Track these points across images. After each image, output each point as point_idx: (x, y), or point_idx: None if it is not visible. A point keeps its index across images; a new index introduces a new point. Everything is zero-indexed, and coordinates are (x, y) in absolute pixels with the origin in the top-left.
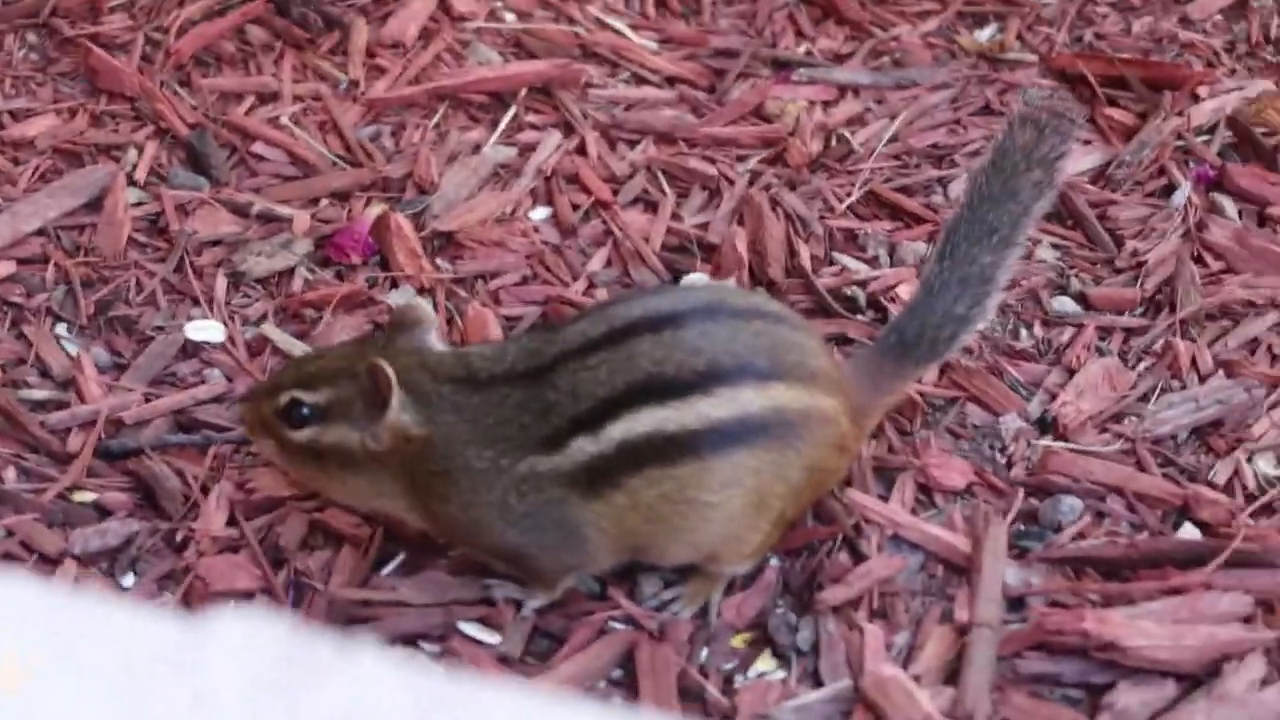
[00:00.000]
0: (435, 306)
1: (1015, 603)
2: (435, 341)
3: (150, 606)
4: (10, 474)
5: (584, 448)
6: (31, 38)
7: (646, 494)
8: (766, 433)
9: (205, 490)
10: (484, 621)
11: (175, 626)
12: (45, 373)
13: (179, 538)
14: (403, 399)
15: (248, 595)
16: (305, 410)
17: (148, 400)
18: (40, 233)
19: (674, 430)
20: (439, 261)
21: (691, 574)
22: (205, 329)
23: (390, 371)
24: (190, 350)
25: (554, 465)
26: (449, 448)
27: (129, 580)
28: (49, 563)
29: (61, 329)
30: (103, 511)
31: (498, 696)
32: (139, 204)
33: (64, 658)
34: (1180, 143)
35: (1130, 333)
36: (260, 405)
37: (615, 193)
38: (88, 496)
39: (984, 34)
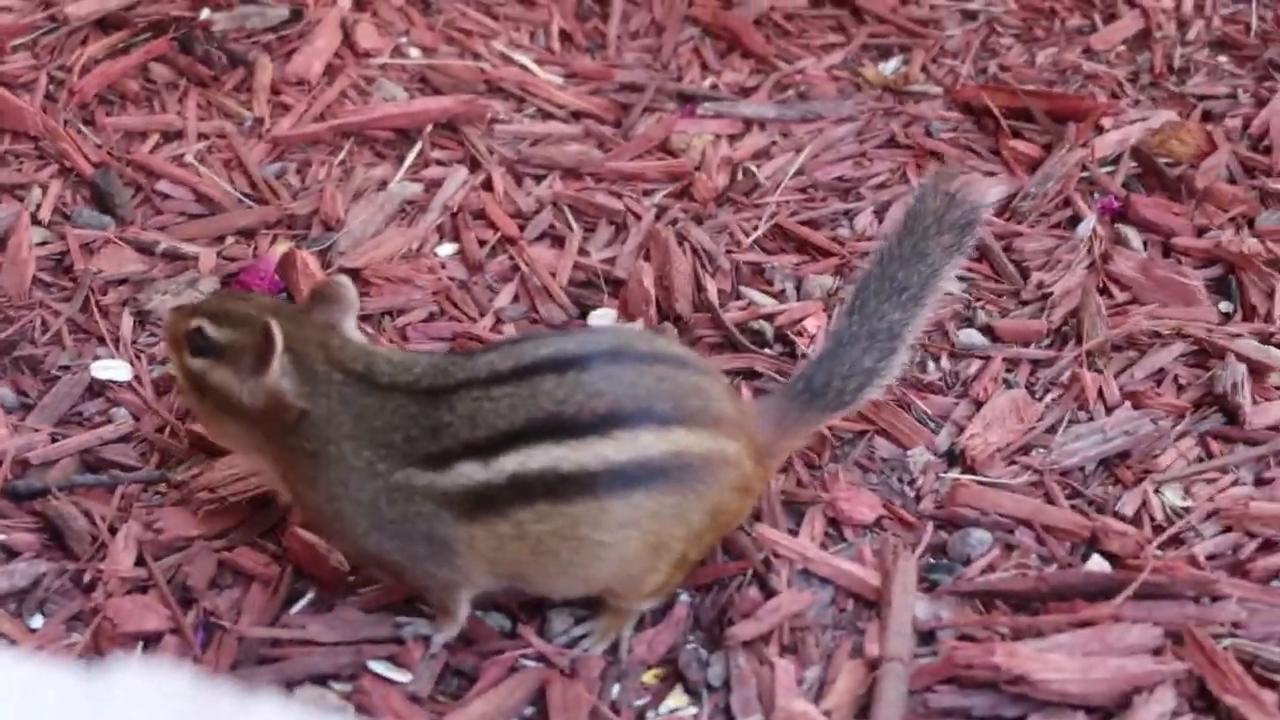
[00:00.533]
0: None
1: (926, 636)
2: (351, 325)
3: (52, 655)
4: None
5: (471, 473)
6: None
7: (535, 527)
8: (666, 476)
9: (113, 530)
10: (394, 660)
11: (77, 677)
12: None
13: (87, 578)
14: (287, 367)
15: (156, 636)
16: (204, 341)
17: (54, 440)
18: None
19: (569, 469)
20: None
21: (601, 610)
22: (111, 368)
23: (279, 335)
24: (96, 389)
25: (431, 482)
26: (325, 432)
27: (37, 621)
28: None
29: None
30: (10, 552)
31: None
32: (43, 243)
33: None
34: (1085, 174)
35: (1037, 364)
36: (179, 322)
37: (522, 228)
38: None
39: (888, 67)
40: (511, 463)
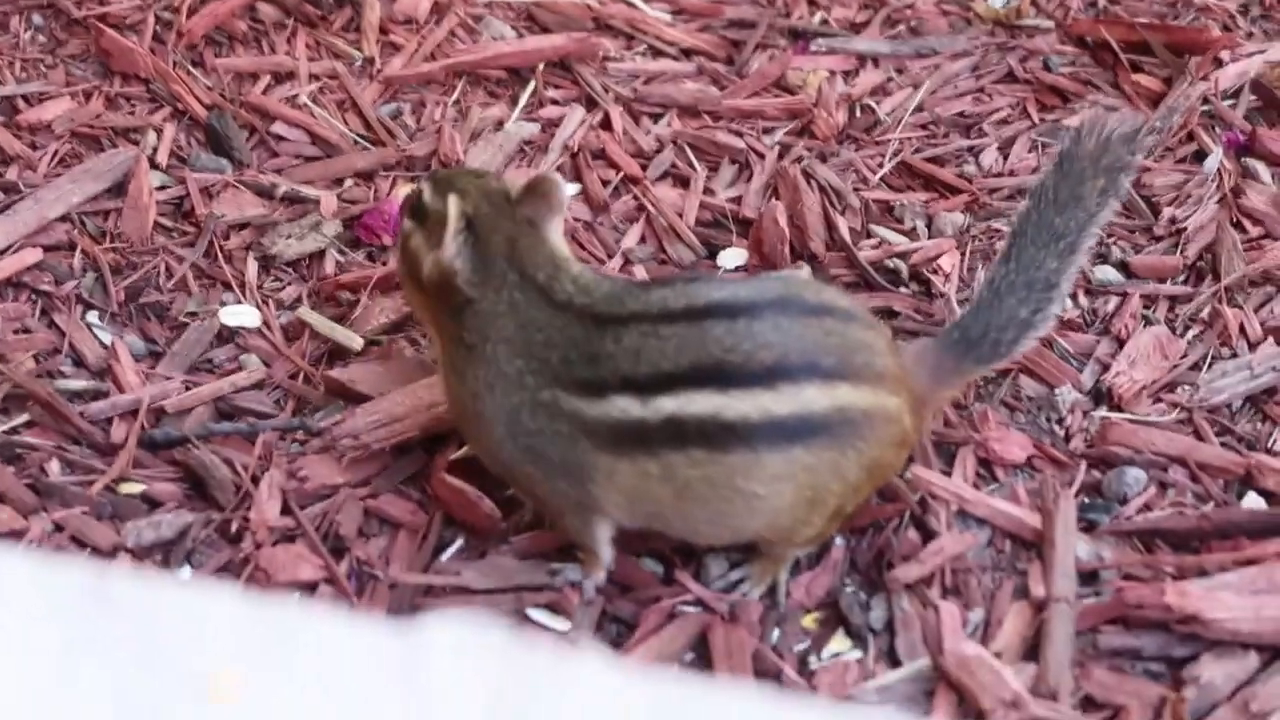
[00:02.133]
0: None
1: (1087, 577)
2: (555, 227)
3: (359, 618)
4: (54, 467)
5: (626, 407)
6: (37, 19)
7: (686, 471)
8: (828, 431)
9: (255, 480)
10: (552, 608)
11: (389, 634)
12: (80, 362)
13: (234, 529)
14: (466, 251)
15: (311, 585)
16: (418, 204)
17: (187, 388)
18: (64, 219)
19: (730, 418)
20: None
21: (756, 554)
22: (240, 314)
23: (456, 212)
24: (225, 336)
25: (579, 409)
26: (485, 329)
27: (186, 573)
28: (102, 556)
29: (93, 316)
30: (152, 503)
31: (728, 700)
32: (162, 188)
33: (282, 668)
34: (1206, 107)
35: (1175, 300)
36: (418, 186)
37: (644, 168)
38: (135, 488)
39: (998, 1)
40: (670, 404)
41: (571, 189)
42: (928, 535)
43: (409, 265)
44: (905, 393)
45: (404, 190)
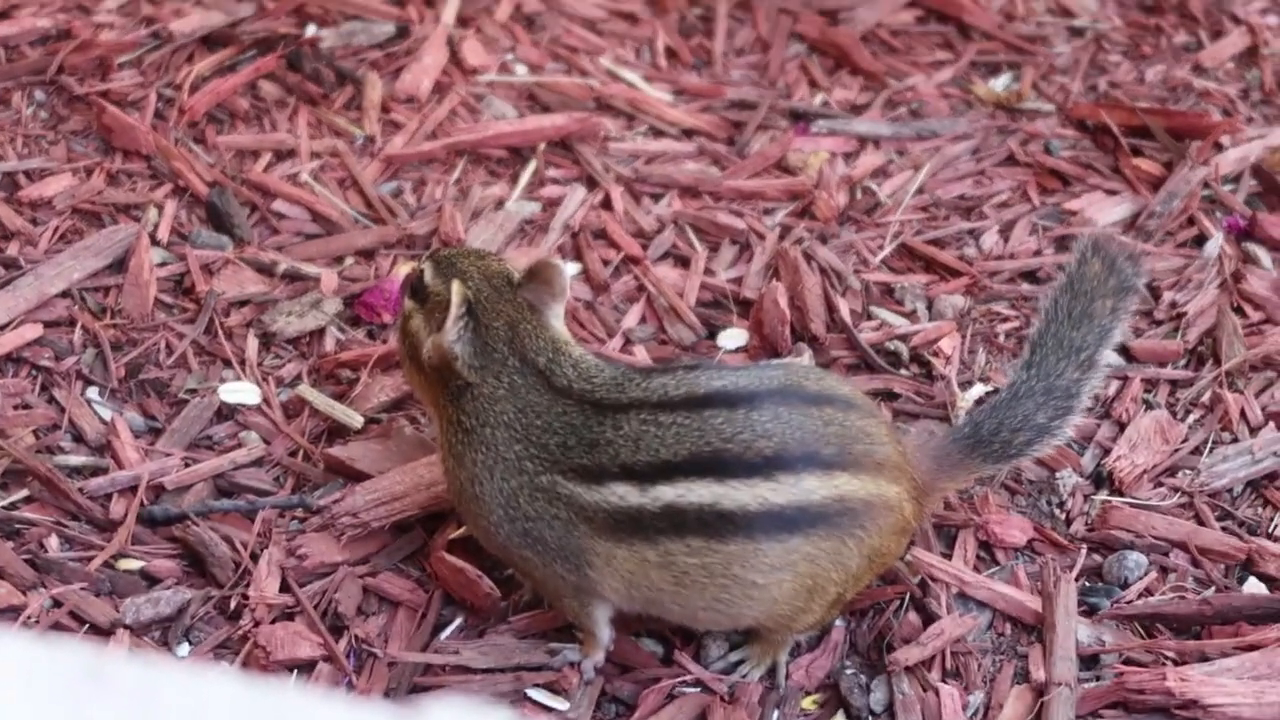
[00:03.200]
0: None
1: (1088, 661)
2: (556, 312)
3: (359, 701)
4: (53, 542)
5: (624, 494)
6: (40, 95)
7: (684, 560)
8: (826, 521)
9: (255, 557)
10: (551, 688)
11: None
12: (79, 438)
13: (232, 606)
14: (467, 335)
15: (310, 664)
16: (419, 285)
17: (187, 465)
18: (65, 295)
19: (728, 508)
20: None
21: (756, 636)
22: (239, 391)
23: (458, 297)
24: (225, 413)
25: (577, 494)
26: (485, 413)
27: (184, 650)
28: (101, 633)
29: (93, 392)
30: (150, 579)
31: None
32: (163, 264)
33: None
34: (1207, 192)
35: (1176, 385)
36: (419, 264)
37: (644, 248)
38: (134, 564)
39: (998, 83)
40: (669, 493)
41: (572, 269)
42: (928, 618)
43: (409, 346)
44: (906, 480)
45: (404, 268)
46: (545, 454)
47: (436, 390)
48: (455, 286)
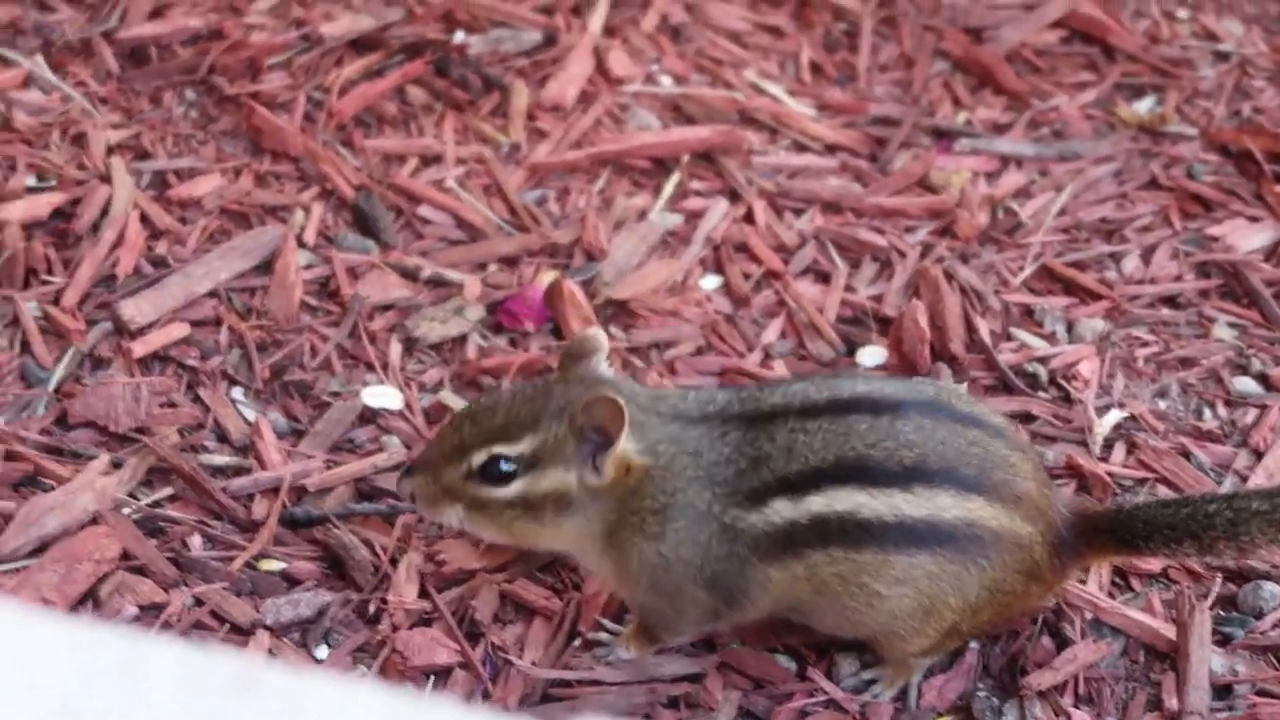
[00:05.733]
0: None
1: (1221, 690)
2: (607, 369)
3: (500, 714)
4: (196, 541)
5: (781, 511)
6: (190, 95)
7: (825, 570)
8: (954, 543)
9: (394, 561)
10: (687, 701)
11: None
12: (223, 437)
13: (371, 609)
14: (628, 433)
15: (446, 670)
16: (507, 464)
17: (329, 467)
18: (212, 294)
19: (867, 516)
20: (613, 330)
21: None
22: (382, 395)
23: (623, 403)
24: (368, 416)
25: (750, 524)
26: (669, 482)
27: (323, 652)
28: (241, 633)
29: (237, 393)
30: (291, 581)
31: None
32: (309, 266)
33: None
34: None
35: None
36: (439, 473)
37: (786, 262)
38: (275, 565)
39: (1142, 106)
40: (817, 503)
41: (714, 281)
42: (1062, 643)
43: (555, 506)
44: (1044, 524)
45: (548, 277)
46: (725, 487)
47: (597, 511)
48: (615, 397)
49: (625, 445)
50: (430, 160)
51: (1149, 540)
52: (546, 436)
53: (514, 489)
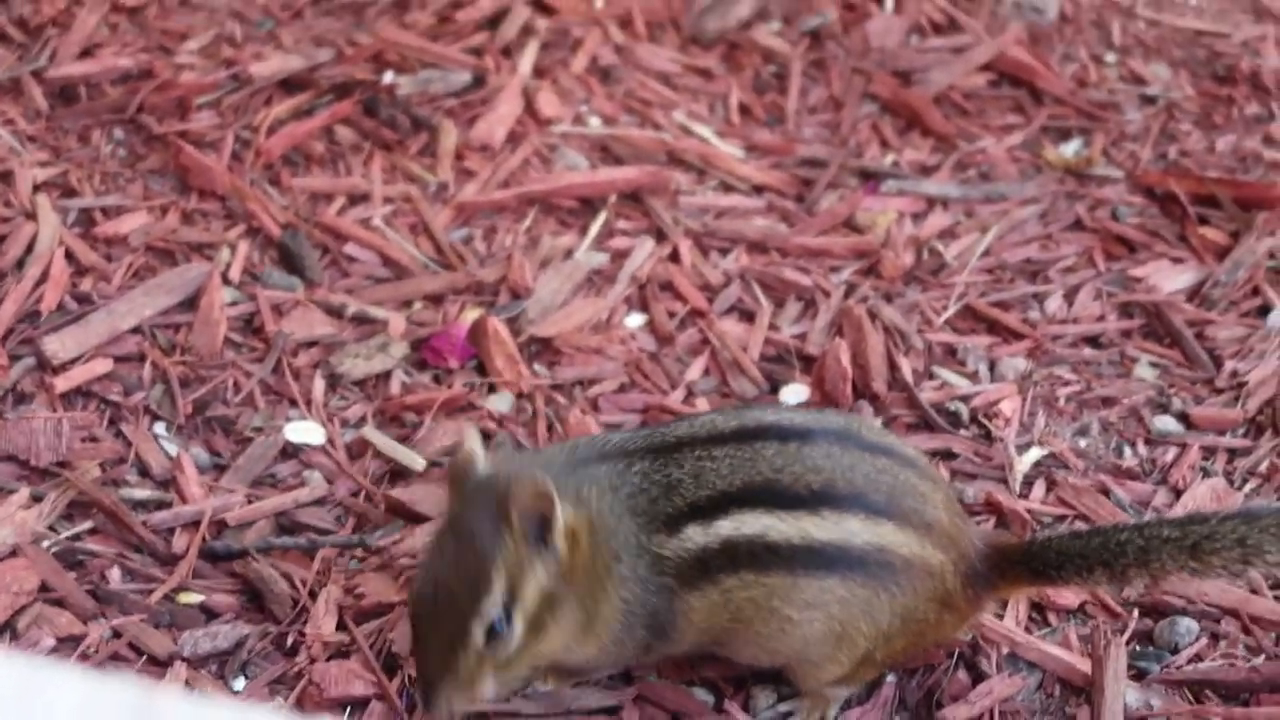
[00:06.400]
0: (534, 413)
1: None
2: (489, 463)
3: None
4: (115, 574)
5: (694, 537)
6: (119, 134)
7: (738, 594)
8: (864, 568)
9: (313, 594)
10: None
11: None
12: (145, 472)
13: (289, 642)
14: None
15: (362, 701)
16: (499, 614)
17: (250, 501)
18: (136, 331)
19: (775, 539)
20: (537, 367)
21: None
22: (304, 431)
23: (537, 474)
24: (290, 452)
25: (673, 550)
26: (606, 520)
27: (239, 684)
28: (158, 665)
29: (160, 428)
30: (209, 613)
31: None
32: (234, 303)
33: None
34: (1272, 262)
35: (1234, 453)
36: (454, 676)
37: (710, 301)
38: (194, 598)
39: (1069, 148)
40: (726, 527)
41: (637, 320)
42: (978, 676)
43: (554, 613)
44: (956, 554)
45: (472, 314)
46: (645, 517)
47: (578, 593)
48: (546, 486)
49: (563, 519)
50: (358, 199)
51: (1061, 570)
52: (500, 562)
53: (518, 628)
